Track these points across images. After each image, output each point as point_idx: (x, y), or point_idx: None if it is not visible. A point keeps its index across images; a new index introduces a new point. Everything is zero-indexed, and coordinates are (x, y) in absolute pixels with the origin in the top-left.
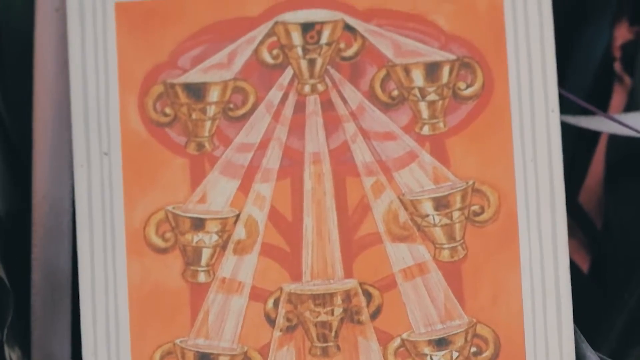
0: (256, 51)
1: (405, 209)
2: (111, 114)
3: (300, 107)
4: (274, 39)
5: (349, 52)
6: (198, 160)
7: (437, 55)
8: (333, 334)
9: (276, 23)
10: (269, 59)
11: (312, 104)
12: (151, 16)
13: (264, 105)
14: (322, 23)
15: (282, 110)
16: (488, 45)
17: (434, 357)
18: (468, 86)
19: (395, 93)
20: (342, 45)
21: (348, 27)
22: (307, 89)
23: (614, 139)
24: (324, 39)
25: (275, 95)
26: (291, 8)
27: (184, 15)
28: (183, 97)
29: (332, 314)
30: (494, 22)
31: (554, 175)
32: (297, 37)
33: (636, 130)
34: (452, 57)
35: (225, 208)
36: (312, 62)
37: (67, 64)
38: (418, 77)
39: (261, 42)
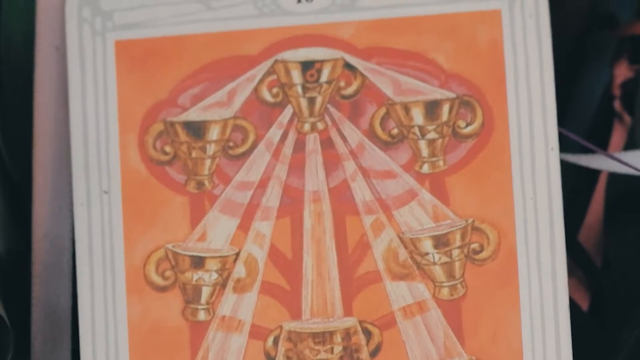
0: (256, 89)
1: (405, 247)
2: (111, 153)
3: (300, 145)
4: (274, 77)
5: (349, 91)
6: (198, 198)
7: (437, 93)
8: None
9: (276, 61)
10: (268, 98)
11: (312, 142)
12: (151, 54)
13: (263, 143)
14: (322, 61)
15: (282, 149)
16: (488, 84)
17: None
18: (468, 124)
19: (395, 131)
20: (341, 84)
21: (348, 66)
22: (306, 127)
23: (613, 177)
24: (324, 77)
25: (275, 133)
26: (291, 46)
27: (184, 53)
28: (183, 136)
29: (332, 352)
30: (494, 61)
31: (553, 214)
32: (297, 76)
33: (636, 169)
34: (452, 95)
35: (225, 246)
36: (311, 101)
37: (67, 102)
38: (418, 116)
39: (261, 81)
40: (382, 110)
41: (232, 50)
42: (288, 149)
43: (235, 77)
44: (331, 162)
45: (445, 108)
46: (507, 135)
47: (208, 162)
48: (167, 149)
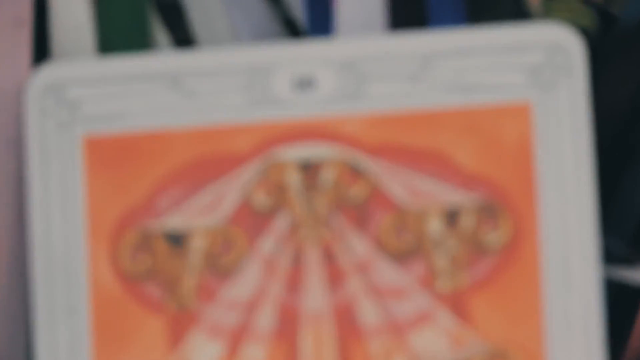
0: (246, 193)
1: None
2: (78, 266)
3: (297, 258)
4: (267, 179)
5: (355, 195)
6: (178, 319)
7: (457, 198)
8: None
9: (269, 160)
10: (261, 202)
11: (312, 255)
12: (125, 151)
13: (255, 255)
14: (324, 161)
15: (277, 262)
16: (516, 188)
17: None
18: (493, 235)
19: (407, 242)
20: (346, 187)
21: (353, 166)
22: (306, 237)
23: None
24: (326, 179)
25: (268, 244)
26: (287, 143)
27: (163, 150)
28: (161, 246)
29: None
30: (523, 161)
31: (591, 338)
32: (294, 178)
33: None
34: (473, 200)
35: None
36: (312, 207)
37: (24, 207)
38: (434, 224)
39: (252, 183)
40: (393, 218)
41: (218, 147)
42: (284, 262)
43: (221, 179)
44: (334, 278)
45: (466, 215)
46: (539, 247)
47: (190, 277)
48: (143, 261)
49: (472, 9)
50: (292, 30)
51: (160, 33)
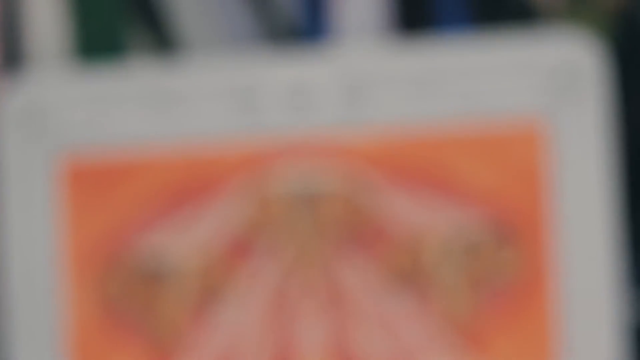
0: (235, 217)
1: None
2: (58, 295)
3: (289, 286)
4: (257, 204)
5: (354, 219)
6: (160, 349)
7: (465, 223)
8: None
9: (261, 182)
10: (249, 229)
11: (305, 282)
12: (107, 177)
13: (242, 284)
14: (319, 183)
15: (266, 291)
16: (530, 214)
17: None
18: (502, 261)
19: (409, 268)
20: (344, 211)
21: (353, 187)
22: (299, 264)
23: None
24: (323, 202)
25: (257, 273)
26: (278, 164)
27: (147, 174)
28: (144, 274)
29: None
30: (537, 186)
31: None
32: (287, 203)
33: None
34: (483, 225)
35: None
36: (305, 232)
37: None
38: (440, 250)
39: (240, 209)
40: (395, 243)
41: (204, 169)
42: (273, 290)
43: (207, 204)
44: (329, 306)
45: (475, 241)
46: (553, 278)
47: (174, 305)
48: (125, 290)
49: (479, 8)
50: (287, 32)
51: (142, 35)
